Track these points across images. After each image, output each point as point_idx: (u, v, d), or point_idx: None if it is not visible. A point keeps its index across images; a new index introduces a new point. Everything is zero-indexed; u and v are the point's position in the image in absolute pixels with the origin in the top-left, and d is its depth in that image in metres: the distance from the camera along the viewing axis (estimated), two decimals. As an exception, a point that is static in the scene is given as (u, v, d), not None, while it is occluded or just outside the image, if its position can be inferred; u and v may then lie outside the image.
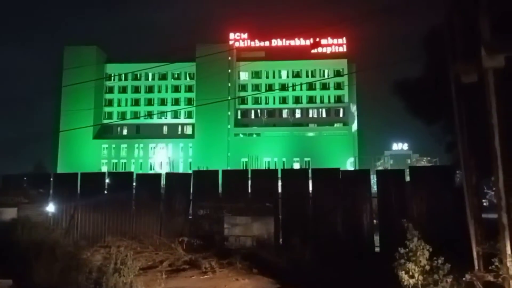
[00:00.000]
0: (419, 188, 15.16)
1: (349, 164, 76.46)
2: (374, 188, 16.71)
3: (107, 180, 18.72)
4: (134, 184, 18.24)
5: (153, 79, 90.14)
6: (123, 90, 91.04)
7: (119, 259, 9.75)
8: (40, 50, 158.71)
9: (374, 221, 15.91)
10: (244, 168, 74.14)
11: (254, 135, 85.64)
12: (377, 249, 15.33)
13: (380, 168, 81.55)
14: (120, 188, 17.67)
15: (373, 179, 18.12)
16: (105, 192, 17.97)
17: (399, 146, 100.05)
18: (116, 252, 10.17)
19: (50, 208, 17.54)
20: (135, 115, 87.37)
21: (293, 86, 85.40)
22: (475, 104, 6.87)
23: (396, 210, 15.07)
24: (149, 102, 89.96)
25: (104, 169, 80.00)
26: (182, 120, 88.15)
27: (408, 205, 15.12)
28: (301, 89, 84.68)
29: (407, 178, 16.23)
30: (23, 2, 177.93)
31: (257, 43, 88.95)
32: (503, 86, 6.10)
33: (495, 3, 5.31)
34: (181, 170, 75.32)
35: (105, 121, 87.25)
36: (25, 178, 20.02)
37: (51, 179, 18.90)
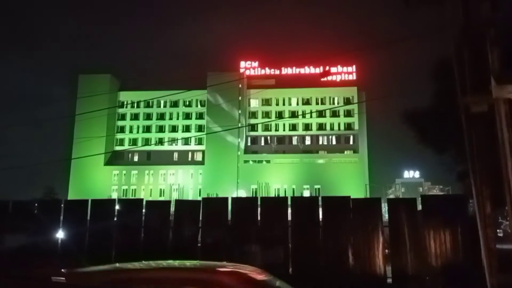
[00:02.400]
0: (431, 218, 14.88)
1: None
2: (386, 216, 16.46)
3: (117, 207, 18.76)
4: (143, 210, 18.25)
5: (164, 106, 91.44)
6: (135, 117, 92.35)
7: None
8: (56, 77, 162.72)
9: (386, 251, 15.60)
10: (254, 195, 73.79)
11: (264, 162, 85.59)
12: (389, 280, 14.96)
13: (391, 196, 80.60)
14: (130, 215, 17.65)
15: (385, 207, 17.88)
16: (115, 218, 17.98)
17: (410, 174, 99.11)
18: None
19: (60, 234, 17.56)
20: (146, 142, 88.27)
21: (303, 113, 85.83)
22: (486, 133, 6.84)
23: (408, 240, 14.78)
24: (161, 129, 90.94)
25: (114, 195, 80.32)
26: (192, 146, 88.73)
27: (421, 235, 14.82)
28: (311, 116, 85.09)
29: (419, 207, 15.98)
30: (40, 32, 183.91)
31: (267, 71, 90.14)
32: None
33: (503, 35, 5.39)
34: (190, 197, 75.34)
35: (117, 148, 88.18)
36: (35, 204, 20.14)
37: (62, 205, 19.00)
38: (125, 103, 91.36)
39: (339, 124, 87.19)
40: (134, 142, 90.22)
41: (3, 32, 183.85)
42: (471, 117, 6.63)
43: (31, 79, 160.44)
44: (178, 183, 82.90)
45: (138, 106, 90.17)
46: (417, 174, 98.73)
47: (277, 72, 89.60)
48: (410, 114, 15.77)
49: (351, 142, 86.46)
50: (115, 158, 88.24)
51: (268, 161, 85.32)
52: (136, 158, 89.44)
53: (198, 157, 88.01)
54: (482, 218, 6.71)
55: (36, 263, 12.62)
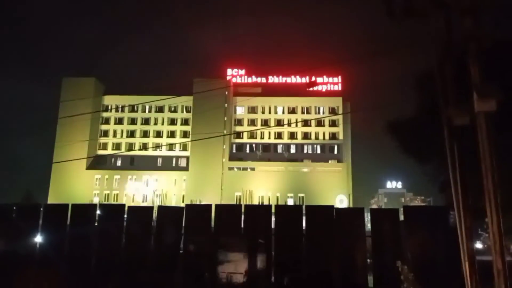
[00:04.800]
0: (412, 229, 15.06)
1: (339, 202, 76.33)
2: (368, 226, 16.57)
3: (98, 212, 18.43)
4: (125, 216, 17.97)
5: (149, 111, 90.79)
6: (119, 121, 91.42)
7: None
8: (40, 81, 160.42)
9: (368, 260, 15.69)
10: (238, 203, 73.54)
11: (249, 170, 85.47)
12: (371, 290, 15.03)
13: (374, 206, 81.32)
14: (111, 220, 17.40)
15: (367, 217, 18.02)
16: (96, 224, 17.67)
17: (393, 185, 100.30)
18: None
19: (39, 239, 17.17)
20: (130, 147, 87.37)
21: (289, 122, 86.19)
22: (468, 146, 6.94)
23: (390, 250, 14.90)
24: (145, 134, 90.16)
25: (96, 200, 79.11)
26: (177, 152, 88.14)
27: (402, 246, 14.96)
28: (296, 125, 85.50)
29: (401, 217, 16.14)
30: (24, 35, 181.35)
31: (254, 79, 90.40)
32: (495, 129, 6.19)
33: (484, 50, 5.51)
34: (173, 203, 74.65)
35: (99, 152, 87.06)
36: (14, 209, 19.66)
37: (41, 209, 18.59)
38: (109, 107, 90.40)
39: (324, 134, 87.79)
40: (117, 146, 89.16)
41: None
42: (453, 129, 6.71)
43: (13, 82, 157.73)
44: (161, 189, 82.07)
45: (122, 111, 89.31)
46: (399, 184, 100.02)
47: (264, 80, 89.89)
48: (393, 125, 15.93)
49: (335, 152, 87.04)
50: (97, 163, 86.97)
51: (253, 169, 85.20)
52: (119, 163, 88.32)
53: (183, 163, 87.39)
54: (462, 230, 6.78)
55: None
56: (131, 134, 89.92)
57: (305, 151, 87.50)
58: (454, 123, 6.33)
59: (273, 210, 17.00)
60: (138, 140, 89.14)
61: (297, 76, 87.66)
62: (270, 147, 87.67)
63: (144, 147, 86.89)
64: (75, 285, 13.35)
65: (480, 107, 5.86)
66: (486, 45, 5.59)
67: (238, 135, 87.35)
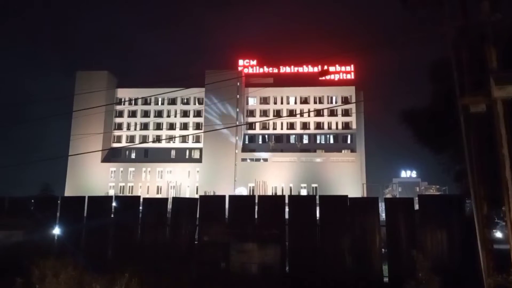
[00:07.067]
0: (428, 218, 14.94)
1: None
2: (383, 216, 16.49)
3: (114, 204, 18.70)
4: (140, 208, 18.20)
5: (162, 103, 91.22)
6: (133, 114, 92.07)
7: (123, 285, 9.67)
8: (56, 74, 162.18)
9: (383, 250, 15.64)
10: (251, 194, 73.79)
11: (262, 161, 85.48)
12: (385, 279, 15.00)
13: (388, 195, 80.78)
14: (127, 212, 17.64)
15: (381, 207, 17.92)
16: (112, 216, 17.93)
17: (407, 174, 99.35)
18: (120, 278, 10.09)
19: (56, 231, 17.52)
20: (144, 139, 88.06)
21: (301, 112, 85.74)
22: (484, 134, 6.83)
23: (405, 239, 14.84)
24: (158, 127, 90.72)
25: (111, 192, 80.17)
26: (190, 144, 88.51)
27: (417, 235, 14.87)
28: (309, 115, 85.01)
29: (416, 207, 16.02)
30: (40, 27, 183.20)
31: (265, 70, 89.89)
32: (512, 116, 6.07)
33: (502, 36, 5.38)
34: (187, 195, 75.24)
35: (114, 145, 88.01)
36: (32, 201, 20.06)
37: (58, 202, 18.93)
38: (122, 100, 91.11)
39: (337, 123, 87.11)
40: (131, 139, 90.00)
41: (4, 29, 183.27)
42: (469, 117, 6.61)
43: (28, 76, 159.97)
44: (175, 181, 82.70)
45: (135, 103, 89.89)
46: (414, 173, 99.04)
47: (276, 70, 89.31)
48: (408, 114, 15.74)
49: (348, 141, 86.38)
50: (112, 155, 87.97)
51: (265, 160, 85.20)
52: (133, 155, 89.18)
53: (196, 154, 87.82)
54: (479, 218, 6.71)
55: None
56: (145, 126, 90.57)
57: (318, 141, 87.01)
58: (470, 110, 6.23)
59: (286, 201, 17.02)
60: (151, 133, 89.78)
61: (309, 66, 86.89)
62: (282, 137, 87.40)
63: (158, 139, 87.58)
64: (92, 275, 13.58)
65: (497, 94, 5.75)
66: (503, 29, 5.46)
67: (251, 126, 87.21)
